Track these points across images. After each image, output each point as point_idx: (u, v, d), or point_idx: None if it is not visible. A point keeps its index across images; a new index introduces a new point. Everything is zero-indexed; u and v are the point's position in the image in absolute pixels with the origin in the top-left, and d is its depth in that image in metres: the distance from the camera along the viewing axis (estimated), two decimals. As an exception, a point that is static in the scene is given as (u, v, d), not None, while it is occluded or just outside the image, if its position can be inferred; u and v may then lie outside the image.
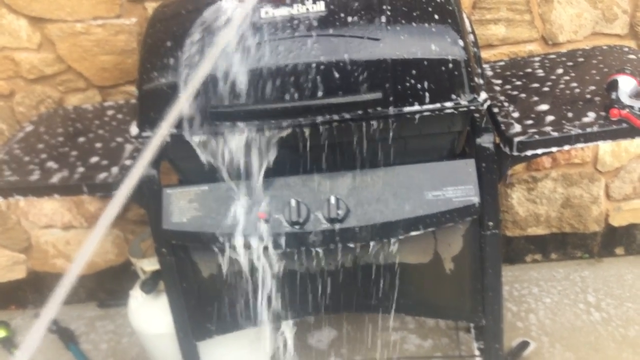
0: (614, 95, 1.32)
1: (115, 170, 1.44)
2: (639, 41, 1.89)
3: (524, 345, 1.97)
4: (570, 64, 1.61)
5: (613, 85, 1.34)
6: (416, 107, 1.24)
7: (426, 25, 1.25)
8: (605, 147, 2.09)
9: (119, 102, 1.87)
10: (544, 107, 1.41)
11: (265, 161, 1.32)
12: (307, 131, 1.27)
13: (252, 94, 1.22)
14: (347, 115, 1.23)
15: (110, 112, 1.79)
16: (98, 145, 1.57)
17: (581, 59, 1.62)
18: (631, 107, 1.28)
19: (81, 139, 1.62)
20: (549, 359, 1.91)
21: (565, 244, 2.30)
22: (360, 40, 1.21)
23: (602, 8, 1.85)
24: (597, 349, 1.92)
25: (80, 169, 1.47)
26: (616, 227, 2.23)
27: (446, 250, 1.44)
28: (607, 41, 1.91)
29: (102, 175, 1.43)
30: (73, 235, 2.30)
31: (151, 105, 1.32)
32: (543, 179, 2.14)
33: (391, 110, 1.24)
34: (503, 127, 1.36)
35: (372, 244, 1.39)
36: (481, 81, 1.32)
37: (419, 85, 1.23)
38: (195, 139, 1.30)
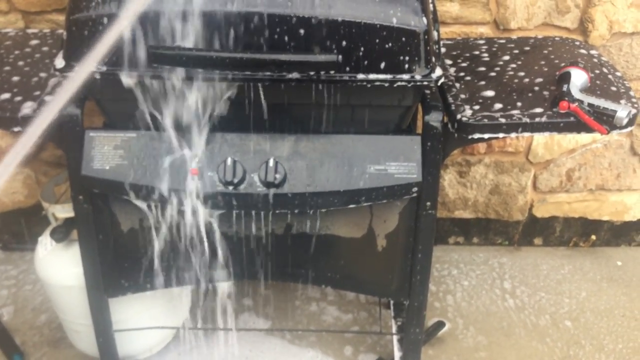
0: (564, 88, 1.30)
1: (30, 104, 1.30)
2: (586, 37, 1.91)
3: (440, 325, 1.99)
4: (517, 52, 1.59)
5: (565, 77, 1.33)
6: (370, 76, 1.18)
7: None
8: (539, 139, 2.11)
9: (43, 30, 1.69)
10: (490, 92, 1.39)
11: (203, 114, 1.22)
12: (253, 87, 1.19)
13: (198, 39, 1.12)
14: (297, 75, 1.16)
15: (33, 42, 1.62)
16: (15, 79, 1.42)
17: (531, 48, 1.60)
18: (580, 101, 1.27)
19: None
20: (462, 341, 1.94)
21: (488, 230, 2.33)
22: (321, -5, 1.13)
23: (556, -1, 1.85)
24: (508, 334, 1.96)
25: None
26: (538, 217, 2.29)
27: (381, 227, 1.40)
28: (556, 33, 1.91)
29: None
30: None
31: (82, 37, 1.19)
32: (476, 163, 2.15)
33: (344, 75, 1.18)
34: (453, 107, 1.33)
35: (306, 213, 1.33)
36: (437, 57, 1.27)
37: (375, 53, 1.17)
38: (128, 80, 1.18)
